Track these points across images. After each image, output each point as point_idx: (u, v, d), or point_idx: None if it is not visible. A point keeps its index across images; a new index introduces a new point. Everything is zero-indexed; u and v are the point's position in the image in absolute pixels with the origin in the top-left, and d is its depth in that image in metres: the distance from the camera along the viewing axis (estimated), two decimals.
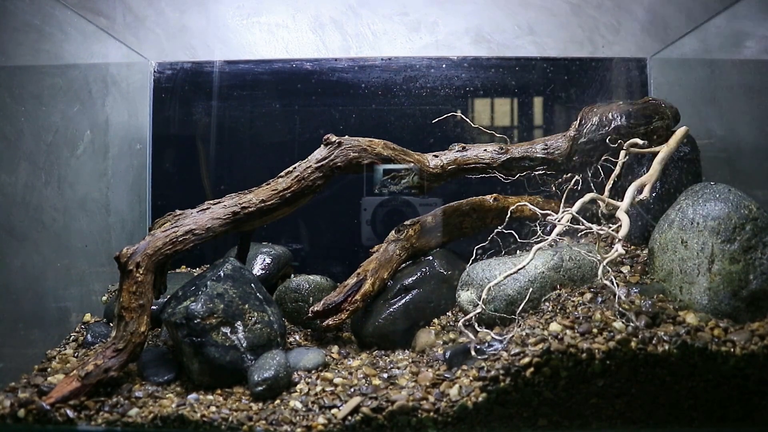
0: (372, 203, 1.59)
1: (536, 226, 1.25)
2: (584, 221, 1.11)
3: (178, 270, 1.66)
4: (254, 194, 1.25)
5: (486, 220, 1.45)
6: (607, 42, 1.70)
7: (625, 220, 1.09)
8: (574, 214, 1.13)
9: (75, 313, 1.41)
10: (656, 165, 1.21)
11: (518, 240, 1.25)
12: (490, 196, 1.46)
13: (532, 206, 1.26)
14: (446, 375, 1.05)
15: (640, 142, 1.23)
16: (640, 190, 1.18)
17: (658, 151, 1.23)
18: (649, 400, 1.00)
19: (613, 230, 1.10)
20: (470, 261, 1.27)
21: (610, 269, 1.08)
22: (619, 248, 1.04)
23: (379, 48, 1.73)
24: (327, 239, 1.73)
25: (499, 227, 1.24)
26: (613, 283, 1.04)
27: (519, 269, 1.09)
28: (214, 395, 1.08)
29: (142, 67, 1.73)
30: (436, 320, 1.30)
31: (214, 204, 1.24)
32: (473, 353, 1.03)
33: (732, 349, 0.97)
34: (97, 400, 1.04)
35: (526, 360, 0.97)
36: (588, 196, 1.16)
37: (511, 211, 1.27)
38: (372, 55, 1.72)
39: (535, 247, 1.10)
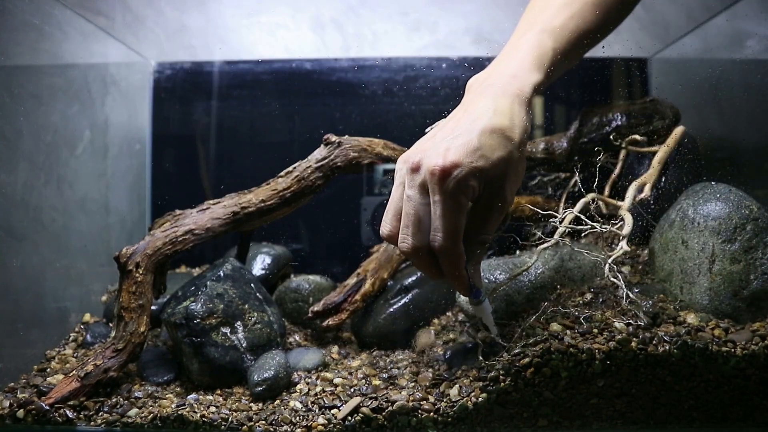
0: (372, 203, 1.59)
1: (534, 230, 1.26)
2: (588, 220, 1.11)
3: (177, 270, 1.65)
4: (254, 194, 1.25)
5: None
6: (607, 42, 1.70)
7: (628, 219, 1.09)
8: (577, 214, 1.13)
9: (74, 313, 1.41)
10: (655, 164, 1.21)
11: (519, 242, 1.26)
12: None
13: (533, 207, 1.27)
14: (446, 375, 1.05)
15: (639, 138, 1.23)
16: (640, 189, 1.18)
17: (656, 151, 1.23)
18: (650, 401, 0.99)
19: (616, 228, 1.10)
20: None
21: (615, 267, 1.08)
22: (624, 245, 1.04)
23: (379, 48, 1.73)
24: (327, 239, 1.73)
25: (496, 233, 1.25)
26: (619, 280, 1.04)
27: (524, 270, 1.09)
28: (214, 395, 1.08)
29: (142, 67, 1.72)
30: (436, 320, 1.30)
31: (214, 204, 1.24)
32: (480, 357, 1.03)
33: (733, 350, 0.96)
34: (96, 400, 1.04)
35: (527, 360, 0.97)
36: (589, 196, 1.16)
37: (509, 214, 1.28)
38: (372, 54, 1.72)
39: (539, 248, 1.10)
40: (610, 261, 1.03)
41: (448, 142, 0.84)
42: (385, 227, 0.89)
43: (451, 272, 0.87)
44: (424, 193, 0.83)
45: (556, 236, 1.12)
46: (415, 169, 0.84)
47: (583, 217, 1.12)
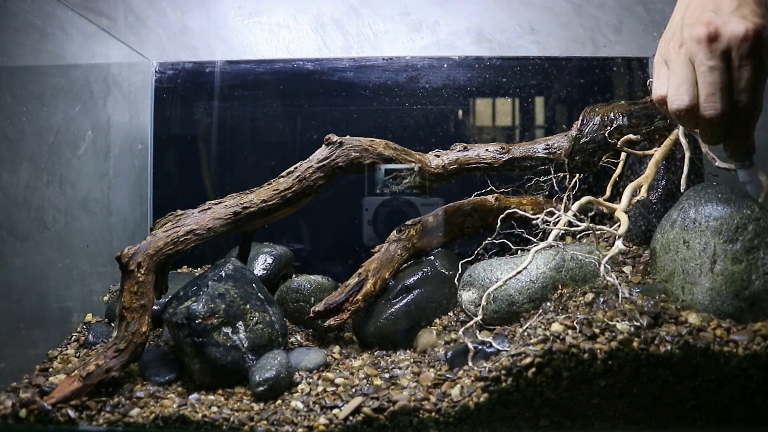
0: (373, 203, 1.59)
1: (524, 233, 1.28)
2: (581, 222, 1.12)
3: (179, 270, 1.66)
4: (255, 194, 1.25)
5: (487, 220, 1.45)
6: (608, 41, 1.70)
7: (623, 219, 1.09)
8: (570, 217, 1.13)
9: (76, 313, 1.41)
10: (652, 166, 1.21)
11: (512, 246, 1.28)
12: (491, 195, 1.46)
13: (522, 212, 1.28)
14: (448, 375, 1.05)
15: (634, 137, 1.22)
16: (637, 191, 1.18)
17: (653, 153, 1.23)
18: (652, 401, 0.99)
19: (612, 229, 1.10)
20: (456, 276, 1.30)
21: (611, 267, 1.08)
22: (619, 244, 1.04)
23: (380, 48, 1.73)
24: (328, 239, 1.73)
25: (489, 238, 1.29)
26: (614, 279, 1.04)
27: (517, 273, 1.09)
28: (216, 395, 1.08)
29: (144, 67, 1.73)
30: (437, 320, 1.30)
31: (216, 204, 1.24)
32: (470, 362, 1.03)
33: (734, 350, 0.96)
34: (98, 400, 1.04)
35: (528, 360, 0.97)
36: (584, 199, 1.16)
37: (501, 219, 1.29)
38: (373, 55, 1.72)
39: (533, 249, 1.10)
40: (604, 261, 1.03)
41: (738, 12, 0.86)
42: (683, 99, 0.89)
43: (746, 132, 0.91)
44: (727, 59, 0.86)
45: (550, 238, 1.12)
46: (713, 39, 0.86)
47: (574, 220, 1.12)
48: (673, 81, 0.91)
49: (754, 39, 0.84)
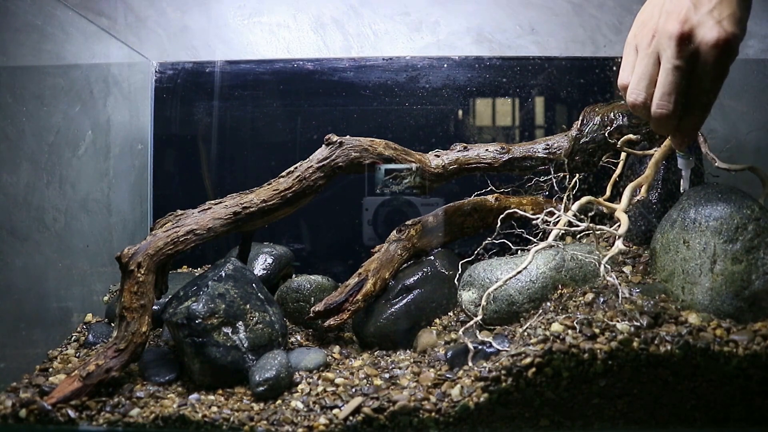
0: (373, 203, 1.59)
1: (524, 233, 1.28)
2: (581, 222, 1.12)
3: (179, 270, 1.66)
4: (255, 194, 1.25)
5: (487, 220, 1.45)
6: (608, 41, 1.70)
7: (624, 219, 1.09)
8: (570, 217, 1.13)
9: (76, 313, 1.41)
10: (652, 166, 1.21)
11: (512, 246, 1.28)
12: (491, 195, 1.46)
13: (522, 212, 1.28)
14: (448, 375, 1.05)
15: (634, 137, 1.22)
16: (637, 191, 1.18)
17: (653, 153, 1.23)
18: (652, 401, 0.99)
19: (612, 229, 1.10)
20: (456, 277, 1.30)
21: (611, 267, 1.08)
22: (619, 244, 1.04)
23: (380, 48, 1.73)
24: (328, 239, 1.73)
25: (489, 238, 1.28)
26: (614, 279, 1.04)
27: (518, 273, 1.09)
28: (216, 395, 1.08)
29: (144, 67, 1.73)
30: (437, 320, 1.30)
31: (216, 204, 1.24)
32: (470, 362, 1.03)
33: (734, 350, 0.96)
34: (98, 400, 1.04)
35: (528, 360, 0.97)
36: (584, 199, 1.16)
37: (501, 219, 1.29)
38: (373, 55, 1.72)
39: (533, 249, 1.10)
40: (604, 261, 1.03)
41: (716, 13, 0.86)
42: (639, 95, 0.92)
43: (693, 130, 0.95)
44: (693, 61, 0.87)
45: (550, 238, 1.12)
46: (685, 39, 0.87)
47: (574, 220, 1.12)
48: (636, 71, 0.93)
49: (723, 48, 0.85)
